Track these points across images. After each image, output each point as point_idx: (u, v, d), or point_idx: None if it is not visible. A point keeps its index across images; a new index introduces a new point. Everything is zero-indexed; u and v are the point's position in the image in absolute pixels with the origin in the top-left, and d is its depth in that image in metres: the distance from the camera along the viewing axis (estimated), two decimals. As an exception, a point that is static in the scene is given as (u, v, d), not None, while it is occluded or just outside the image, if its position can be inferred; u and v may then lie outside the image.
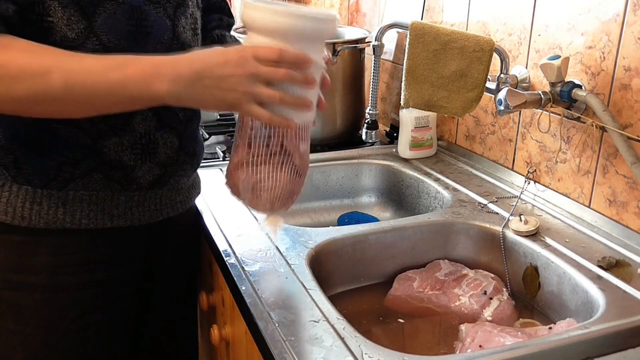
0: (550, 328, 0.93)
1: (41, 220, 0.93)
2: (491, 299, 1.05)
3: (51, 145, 0.91)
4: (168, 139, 0.99)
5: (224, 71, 0.80)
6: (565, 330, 0.87)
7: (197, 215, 1.18)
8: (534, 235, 1.10)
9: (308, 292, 0.91)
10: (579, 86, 1.10)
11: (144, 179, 0.98)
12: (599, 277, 0.96)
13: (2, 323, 0.98)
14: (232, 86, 0.80)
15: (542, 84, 1.22)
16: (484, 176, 1.37)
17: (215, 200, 1.22)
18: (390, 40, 1.72)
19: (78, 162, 0.92)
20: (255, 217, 1.14)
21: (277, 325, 0.83)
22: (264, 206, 0.94)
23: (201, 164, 1.43)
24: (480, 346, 0.90)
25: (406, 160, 1.48)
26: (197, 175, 1.15)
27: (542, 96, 1.12)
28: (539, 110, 1.22)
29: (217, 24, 1.16)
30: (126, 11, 0.88)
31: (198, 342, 1.29)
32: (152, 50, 0.91)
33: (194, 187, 1.12)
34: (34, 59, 0.80)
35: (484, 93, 1.23)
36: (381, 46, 1.36)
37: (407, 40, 1.25)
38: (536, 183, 1.26)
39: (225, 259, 1.01)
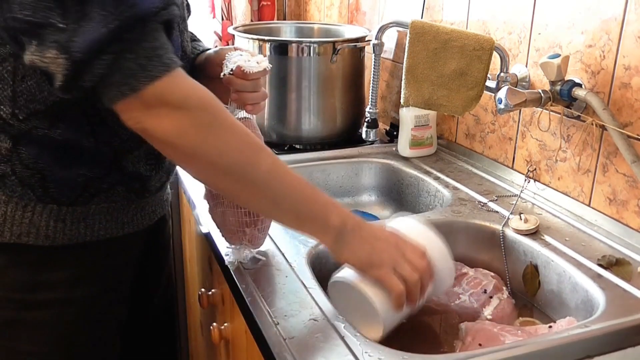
0: (550, 327, 0.93)
1: (65, 237, 0.92)
2: (491, 297, 1.05)
3: (78, 162, 0.90)
4: None
5: (382, 238, 0.86)
6: (566, 328, 0.87)
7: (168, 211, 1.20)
8: (534, 233, 1.10)
9: (308, 291, 0.91)
10: (579, 85, 1.10)
11: (154, 186, 1.00)
12: (599, 276, 0.96)
13: (17, 346, 0.95)
14: (382, 250, 0.85)
15: (542, 83, 1.22)
16: (484, 175, 1.37)
17: (215, 199, 1.22)
18: (390, 39, 1.72)
19: (104, 176, 0.92)
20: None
21: (277, 324, 0.83)
22: (227, 240, 1.01)
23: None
24: (480, 345, 0.90)
25: (406, 159, 1.48)
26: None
27: (542, 95, 1.12)
28: (539, 109, 1.22)
29: None
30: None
31: (176, 330, 1.29)
32: None
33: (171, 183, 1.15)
34: (251, 137, 0.83)
35: (484, 92, 1.23)
36: (381, 45, 1.36)
37: (407, 38, 1.25)
38: (536, 182, 1.26)
39: (225, 257, 1.01)
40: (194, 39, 1.13)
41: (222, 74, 0.95)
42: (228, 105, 0.97)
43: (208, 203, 1.02)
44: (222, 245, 1.05)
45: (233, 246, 1.00)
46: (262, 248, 1.03)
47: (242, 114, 0.96)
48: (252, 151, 0.81)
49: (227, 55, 0.96)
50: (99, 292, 0.98)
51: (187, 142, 0.78)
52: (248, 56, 0.95)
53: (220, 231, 1.01)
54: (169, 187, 1.13)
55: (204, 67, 1.05)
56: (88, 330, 0.99)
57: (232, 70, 0.94)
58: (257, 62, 0.94)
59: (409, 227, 0.93)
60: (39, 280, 0.93)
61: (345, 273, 0.87)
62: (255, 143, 0.82)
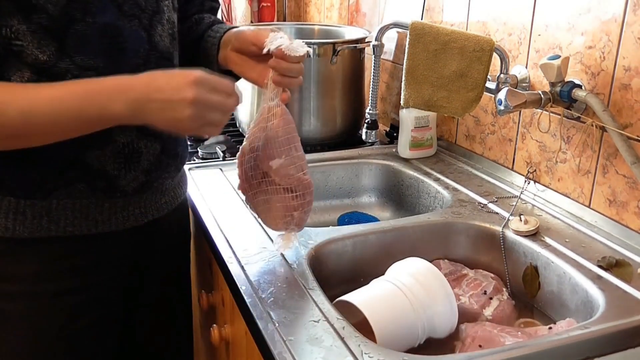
0: (550, 328, 0.93)
1: (25, 230, 0.92)
2: (491, 298, 1.05)
3: (34, 157, 0.90)
4: (151, 146, 0.98)
5: (168, 95, 0.82)
6: (565, 330, 0.87)
7: (186, 214, 1.18)
8: (534, 235, 1.10)
9: (308, 292, 0.91)
10: (579, 86, 1.10)
11: (129, 186, 0.98)
12: (599, 277, 0.96)
13: None
14: (177, 108, 0.82)
15: (542, 84, 1.22)
16: (484, 176, 1.37)
17: (215, 200, 1.22)
18: (390, 40, 1.72)
19: (61, 172, 0.92)
20: (255, 217, 1.14)
21: (277, 325, 0.83)
22: (272, 227, 1.02)
23: (201, 164, 1.43)
24: (480, 346, 0.90)
25: (406, 160, 1.48)
26: (184, 173, 1.15)
27: (542, 96, 1.12)
28: (539, 110, 1.22)
29: (197, 9, 1.15)
30: (98, 30, 0.88)
31: (193, 342, 1.29)
32: (128, 64, 0.92)
33: (180, 187, 1.12)
34: None
35: (484, 93, 1.23)
36: (381, 46, 1.36)
37: (407, 40, 1.25)
38: (536, 183, 1.26)
39: (225, 259, 1.01)
40: (217, 22, 1.12)
41: (265, 49, 0.94)
42: (266, 89, 0.96)
43: (245, 193, 1.00)
44: (223, 247, 1.05)
45: (279, 233, 1.01)
46: (267, 247, 1.03)
47: (276, 101, 0.95)
48: None
49: (270, 34, 0.95)
50: (72, 288, 0.98)
51: None
52: (287, 40, 0.95)
53: (264, 219, 1.01)
54: (179, 192, 1.12)
55: (233, 41, 1.03)
56: (60, 325, 0.98)
57: (276, 48, 0.93)
58: (300, 47, 0.94)
59: (416, 265, 0.96)
60: (6, 272, 0.94)
61: (350, 295, 0.92)
62: None
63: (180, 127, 0.85)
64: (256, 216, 1.03)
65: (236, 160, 1.00)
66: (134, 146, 0.96)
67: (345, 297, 0.91)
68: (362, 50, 1.61)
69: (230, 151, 1.50)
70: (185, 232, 1.20)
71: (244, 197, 1.01)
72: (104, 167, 0.94)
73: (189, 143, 1.15)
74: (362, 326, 0.86)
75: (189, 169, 1.36)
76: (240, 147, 0.99)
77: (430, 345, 0.95)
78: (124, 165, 0.96)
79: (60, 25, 0.85)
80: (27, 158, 0.90)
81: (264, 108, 0.95)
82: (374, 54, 1.37)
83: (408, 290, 0.91)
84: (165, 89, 0.83)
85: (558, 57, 1.09)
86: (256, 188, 0.98)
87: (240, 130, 1.68)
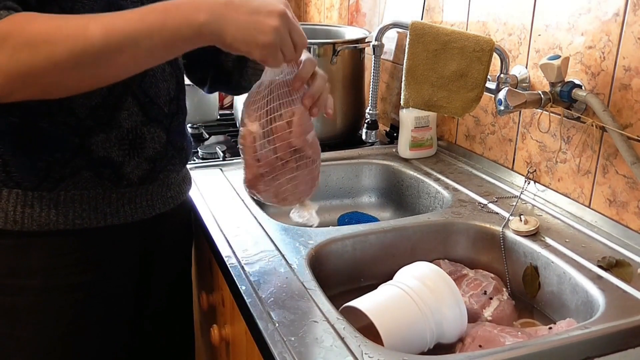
0: (550, 328, 0.93)
1: (34, 223, 0.92)
2: (491, 298, 1.05)
3: (39, 146, 0.90)
4: (155, 133, 0.99)
5: (259, 3, 0.80)
6: (565, 330, 0.87)
7: (189, 211, 1.18)
8: (534, 235, 1.10)
9: (308, 292, 0.91)
10: (579, 86, 1.10)
11: (134, 174, 0.98)
12: (599, 277, 0.96)
13: None
14: (266, 17, 0.79)
15: (542, 84, 1.22)
16: (484, 176, 1.37)
17: (215, 200, 1.22)
18: (390, 40, 1.72)
19: (67, 161, 0.92)
20: (255, 217, 1.15)
21: (277, 325, 0.83)
22: (292, 203, 0.98)
23: (201, 164, 1.43)
24: (480, 346, 0.90)
25: (406, 160, 1.48)
26: (187, 171, 1.16)
27: (542, 96, 1.12)
28: (539, 110, 1.22)
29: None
30: (103, 6, 0.87)
31: (194, 338, 1.29)
32: None
33: (185, 183, 1.13)
34: (68, 21, 0.78)
35: (484, 93, 1.23)
36: (381, 46, 1.36)
37: (407, 40, 1.25)
38: (536, 183, 1.26)
39: (225, 259, 1.01)
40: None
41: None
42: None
43: (259, 181, 0.94)
44: (223, 247, 1.05)
45: (299, 206, 0.98)
46: (267, 247, 1.03)
47: (284, 72, 0.90)
48: (77, 34, 0.76)
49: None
50: (81, 283, 0.98)
51: (16, 70, 0.75)
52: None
53: (286, 197, 0.95)
54: (184, 188, 1.12)
55: None
56: (69, 321, 0.98)
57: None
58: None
59: (424, 269, 0.95)
60: (15, 266, 0.94)
61: (357, 300, 0.91)
62: (74, 25, 0.77)
63: (261, 41, 0.79)
64: (273, 201, 0.97)
65: (243, 149, 0.93)
66: (137, 132, 0.96)
67: (352, 303, 0.90)
68: (362, 50, 1.61)
69: (230, 151, 1.50)
70: (188, 231, 1.21)
71: (259, 186, 0.95)
72: (109, 154, 0.94)
73: (191, 140, 1.15)
74: (370, 332, 0.85)
75: (189, 169, 1.36)
76: (247, 134, 0.92)
77: (430, 345, 0.95)
78: (129, 151, 0.96)
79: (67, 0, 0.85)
80: (33, 147, 0.90)
81: (268, 85, 0.90)
82: (374, 54, 1.37)
83: (416, 295, 0.90)
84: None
85: (558, 57, 1.09)
86: (280, 169, 0.92)
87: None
